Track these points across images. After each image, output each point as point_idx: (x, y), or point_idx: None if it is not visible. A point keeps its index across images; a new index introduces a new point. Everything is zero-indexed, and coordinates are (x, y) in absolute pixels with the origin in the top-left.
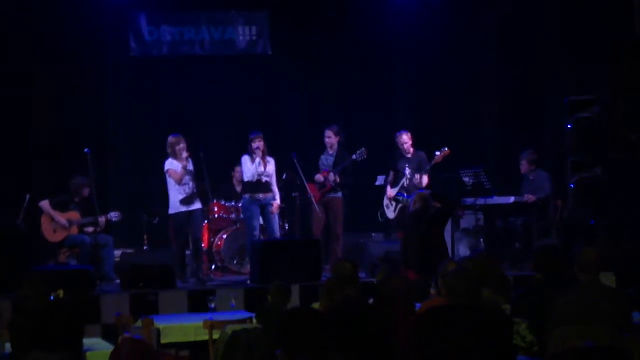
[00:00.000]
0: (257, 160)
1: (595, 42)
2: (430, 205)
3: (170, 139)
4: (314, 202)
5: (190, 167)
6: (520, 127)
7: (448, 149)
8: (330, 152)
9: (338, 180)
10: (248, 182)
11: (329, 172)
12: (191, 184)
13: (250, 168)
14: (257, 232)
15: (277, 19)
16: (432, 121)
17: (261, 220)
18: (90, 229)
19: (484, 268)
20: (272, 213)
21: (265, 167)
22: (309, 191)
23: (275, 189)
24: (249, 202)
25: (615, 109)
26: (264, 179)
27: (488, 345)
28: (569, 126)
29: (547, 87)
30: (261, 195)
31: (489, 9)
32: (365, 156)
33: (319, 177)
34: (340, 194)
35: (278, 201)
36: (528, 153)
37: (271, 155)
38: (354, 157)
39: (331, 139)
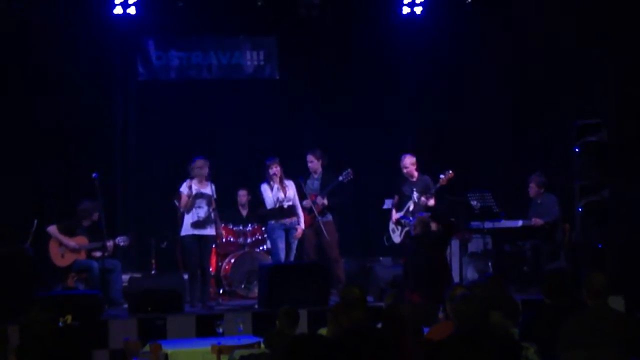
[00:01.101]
0: (275, 186)
1: (604, 65)
2: (431, 228)
3: (196, 161)
4: (303, 227)
5: (209, 191)
6: (528, 150)
7: (452, 171)
8: (315, 176)
9: (326, 203)
10: (271, 209)
11: (316, 196)
12: (206, 208)
13: (270, 196)
14: (282, 254)
15: (285, 44)
16: (439, 144)
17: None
18: (98, 254)
19: (492, 292)
20: (295, 238)
21: (285, 193)
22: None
23: (300, 212)
24: (274, 226)
25: (623, 132)
26: (286, 204)
27: None
28: (577, 149)
29: (555, 111)
30: (287, 220)
31: (496, 31)
32: (351, 177)
33: (307, 203)
34: (330, 217)
35: (302, 226)
36: (536, 176)
37: (289, 179)
38: (340, 178)
39: (313, 163)
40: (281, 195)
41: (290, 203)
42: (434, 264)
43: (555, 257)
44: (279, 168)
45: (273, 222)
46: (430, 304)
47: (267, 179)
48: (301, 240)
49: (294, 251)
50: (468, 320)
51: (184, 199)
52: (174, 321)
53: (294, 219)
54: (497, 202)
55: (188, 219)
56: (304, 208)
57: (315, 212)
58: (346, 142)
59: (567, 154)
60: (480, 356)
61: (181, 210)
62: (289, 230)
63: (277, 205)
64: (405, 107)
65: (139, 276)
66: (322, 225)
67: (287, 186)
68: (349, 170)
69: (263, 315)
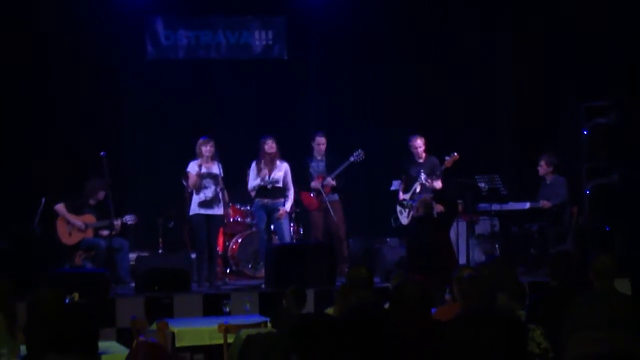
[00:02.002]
0: (262, 167)
1: (613, 47)
2: (433, 210)
3: (200, 140)
4: (310, 210)
5: (216, 171)
6: (536, 132)
7: (457, 153)
8: (319, 158)
9: (334, 183)
10: (256, 186)
11: (324, 178)
12: (214, 187)
13: (252, 179)
14: (263, 236)
15: (294, 23)
16: (447, 126)
17: (270, 226)
18: (106, 232)
19: (499, 274)
20: (278, 219)
21: (270, 173)
22: (303, 201)
23: (289, 193)
24: (257, 206)
25: (633, 114)
26: (269, 185)
27: (502, 351)
28: (585, 132)
29: (564, 92)
30: (267, 200)
31: (504, 13)
32: (363, 157)
33: (316, 184)
34: (337, 197)
35: (286, 207)
36: (547, 155)
37: (283, 160)
38: (352, 158)
39: (323, 145)
40: (265, 175)
41: (279, 185)
42: (437, 245)
43: (563, 240)
44: (274, 145)
45: (257, 200)
46: (433, 286)
47: (260, 156)
48: (308, 222)
49: (286, 232)
50: (474, 301)
51: (193, 178)
52: (181, 300)
53: (278, 200)
54: (504, 184)
55: (196, 199)
56: (311, 190)
57: (323, 194)
58: (353, 123)
59: (575, 136)
60: (487, 338)
61: (190, 189)
62: (271, 211)
63: (262, 184)
64: (413, 88)
65: (146, 255)
66: (328, 205)
67: (277, 167)
68: (360, 150)
69: (270, 295)
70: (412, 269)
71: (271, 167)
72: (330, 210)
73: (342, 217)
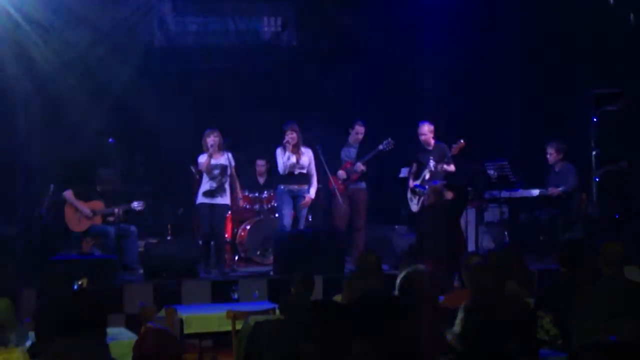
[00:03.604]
0: (288, 152)
1: (622, 34)
2: (444, 197)
3: (204, 133)
4: (338, 194)
5: (223, 161)
6: (546, 119)
7: (463, 141)
8: (354, 145)
9: (365, 169)
10: (282, 174)
11: (353, 164)
12: (219, 177)
13: (282, 161)
14: (286, 221)
15: (303, 9)
16: (457, 113)
17: (292, 210)
18: (113, 219)
19: (508, 261)
20: (302, 206)
21: (298, 159)
22: (333, 183)
23: (313, 180)
24: (282, 191)
25: None
26: (297, 170)
27: (512, 337)
28: (595, 119)
29: (573, 80)
30: (294, 186)
31: (514, 1)
32: (392, 146)
33: (342, 173)
34: (364, 185)
35: (311, 195)
36: (556, 142)
37: (307, 146)
38: (380, 147)
39: (362, 134)
40: (293, 160)
41: (304, 171)
42: (447, 232)
43: (572, 227)
44: (294, 134)
45: (282, 186)
46: (444, 272)
47: (283, 144)
48: (332, 207)
49: (303, 219)
50: (483, 288)
51: (204, 164)
52: (189, 287)
53: (304, 186)
54: (513, 172)
55: (201, 188)
56: (337, 177)
57: (351, 179)
58: (364, 110)
59: (585, 124)
60: (496, 325)
61: (205, 175)
62: (296, 197)
63: (288, 171)
64: (424, 74)
65: (154, 242)
66: (354, 193)
67: (302, 153)
68: (390, 139)
69: (278, 282)
70: (422, 256)
71: (298, 153)
72: (356, 196)
73: (365, 206)
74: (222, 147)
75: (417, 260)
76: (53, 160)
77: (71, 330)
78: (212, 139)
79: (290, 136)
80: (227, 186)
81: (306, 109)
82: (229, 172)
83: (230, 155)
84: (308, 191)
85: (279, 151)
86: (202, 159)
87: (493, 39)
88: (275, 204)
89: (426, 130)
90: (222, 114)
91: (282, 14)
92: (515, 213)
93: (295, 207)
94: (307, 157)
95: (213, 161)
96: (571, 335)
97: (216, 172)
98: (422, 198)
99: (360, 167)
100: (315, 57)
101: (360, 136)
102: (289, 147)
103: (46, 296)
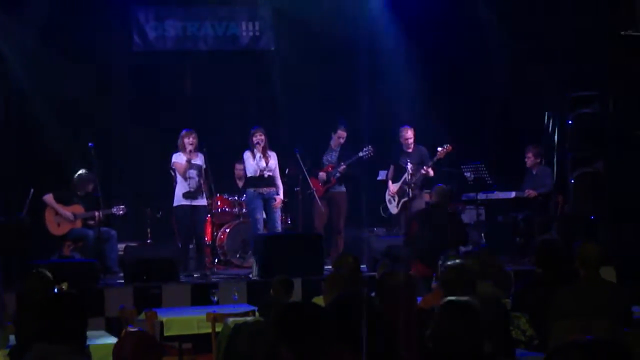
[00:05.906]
0: (258, 155)
1: (597, 37)
2: (448, 202)
3: (182, 133)
4: (317, 196)
5: (199, 162)
6: (521, 122)
7: (450, 145)
8: (334, 149)
9: (345, 166)
10: (251, 177)
11: (333, 167)
12: (197, 178)
13: (252, 164)
14: (260, 225)
15: (281, 14)
16: (434, 116)
17: (264, 214)
18: (93, 222)
19: (484, 263)
20: (275, 207)
21: (267, 162)
22: (312, 185)
23: (279, 182)
24: (252, 195)
25: (617, 104)
26: (266, 173)
27: (486, 338)
28: (570, 122)
29: (548, 83)
30: (264, 189)
31: (490, 4)
32: (372, 154)
33: (322, 175)
34: (344, 188)
35: (281, 196)
36: (534, 146)
37: (272, 150)
38: (360, 154)
39: (344, 139)
40: (262, 164)
41: (271, 173)
42: (449, 234)
43: (548, 229)
44: (263, 137)
45: (252, 190)
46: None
47: (250, 147)
48: (311, 210)
49: (278, 221)
50: (454, 289)
51: (181, 166)
52: (170, 290)
53: (272, 189)
54: (490, 174)
55: (179, 190)
56: (318, 180)
57: (332, 181)
58: (341, 114)
59: (560, 126)
60: (468, 326)
61: (180, 176)
62: (267, 200)
63: (258, 174)
64: (400, 78)
65: (134, 245)
66: (334, 196)
67: (269, 156)
68: (370, 147)
69: (258, 284)
70: (417, 258)
71: (266, 156)
72: (319, 201)
73: (345, 209)
74: (198, 149)
75: (402, 262)
76: (32, 164)
77: (51, 334)
78: (191, 140)
79: (260, 137)
80: (204, 187)
81: (284, 113)
82: (203, 173)
83: (204, 157)
84: (277, 192)
85: (247, 154)
86: (178, 157)
87: (469, 41)
88: (246, 210)
89: (408, 134)
90: (200, 118)
91: (260, 19)
92: (492, 215)
93: (267, 210)
94: (273, 160)
95: (192, 162)
96: (547, 335)
97: (193, 171)
98: (403, 199)
99: (340, 167)
100: (292, 61)
101: (342, 140)
102: (259, 148)
103: (26, 300)
